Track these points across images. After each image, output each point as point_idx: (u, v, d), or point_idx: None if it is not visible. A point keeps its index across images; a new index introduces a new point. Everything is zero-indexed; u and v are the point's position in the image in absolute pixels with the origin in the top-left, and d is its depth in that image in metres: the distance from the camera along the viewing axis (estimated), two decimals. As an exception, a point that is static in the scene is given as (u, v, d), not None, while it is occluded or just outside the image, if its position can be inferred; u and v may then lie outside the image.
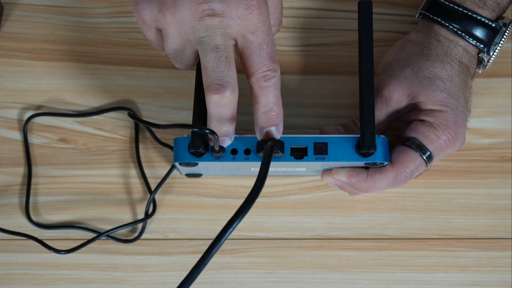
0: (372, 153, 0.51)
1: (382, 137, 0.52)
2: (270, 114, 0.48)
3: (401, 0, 0.65)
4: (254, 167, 0.52)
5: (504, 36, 0.56)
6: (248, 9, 0.43)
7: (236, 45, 0.46)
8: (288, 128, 0.62)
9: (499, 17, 0.57)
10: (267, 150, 0.49)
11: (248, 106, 0.63)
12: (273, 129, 0.49)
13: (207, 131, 0.47)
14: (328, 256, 0.61)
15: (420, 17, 0.59)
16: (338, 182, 0.57)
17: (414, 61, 0.56)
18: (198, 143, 0.50)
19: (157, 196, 0.61)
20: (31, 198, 0.61)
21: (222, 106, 0.46)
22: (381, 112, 0.56)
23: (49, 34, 0.64)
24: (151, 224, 0.61)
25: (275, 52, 0.46)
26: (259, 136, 0.50)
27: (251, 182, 0.46)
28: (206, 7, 0.43)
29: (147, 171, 0.62)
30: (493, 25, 0.56)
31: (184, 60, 0.48)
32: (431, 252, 0.61)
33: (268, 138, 0.50)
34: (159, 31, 0.48)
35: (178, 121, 0.62)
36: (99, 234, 0.59)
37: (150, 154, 0.62)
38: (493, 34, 0.56)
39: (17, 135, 0.63)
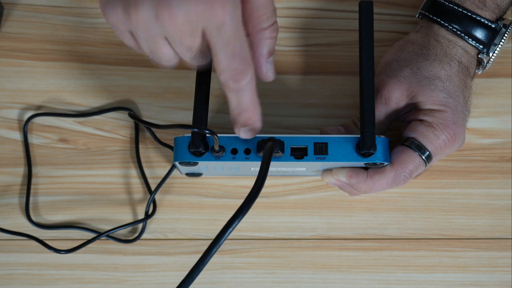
0: (372, 154, 0.51)
1: (382, 137, 0.52)
2: (245, 115, 0.47)
3: (401, 0, 0.65)
4: (254, 166, 0.52)
5: (504, 37, 0.56)
6: (209, 10, 0.40)
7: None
8: (288, 128, 0.62)
9: (499, 18, 0.57)
10: (267, 150, 0.49)
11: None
12: (248, 129, 0.48)
13: (206, 131, 0.47)
14: (328, 256, 0.61)
15: (420, 17, 0.59)
16: (338, 182, 0.57)
17: (413, 61, 0.56)
18: (198, 143, 0.50)
19: (157, 196, 0.61)
20: (31, 198, 0.61)
21: None
22: (380, 112, 0.56)
23: (49, 34, 0.64)
24: (151, 224, 0.61)
25: (245, 50, 0.43)
26: (238, 134, 0.49)
27: (251, 182, 0.46)
28: (165, 9, 0.40)
29: (147, 171, 0.62)
30: (493, 26, 0.56)
31: (165, 59, 0.46)
32: (431, 252, 0.61)
33: (269, 137, 0.50)
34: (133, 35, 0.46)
35: (178, 121, 0.63)
36: (99, 234, 0.59)
37: (150, 154, 0.62)
38: (493, 35, 0.56)
39: (17, 135, 0.63)
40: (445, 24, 0.56)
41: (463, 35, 0.56)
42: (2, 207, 0.61)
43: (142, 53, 0.47)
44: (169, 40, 0.43)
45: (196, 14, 0.41)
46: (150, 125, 0.51)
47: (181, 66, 0.64)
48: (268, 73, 0.47)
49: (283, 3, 0.65)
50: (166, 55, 0.45)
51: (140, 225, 0.61)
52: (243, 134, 0.48)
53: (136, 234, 0.61)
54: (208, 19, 0.41)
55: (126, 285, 0.60)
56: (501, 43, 0.56)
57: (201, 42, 0.43)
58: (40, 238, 0.59)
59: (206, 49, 0.44)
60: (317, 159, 0.52)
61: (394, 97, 0.55)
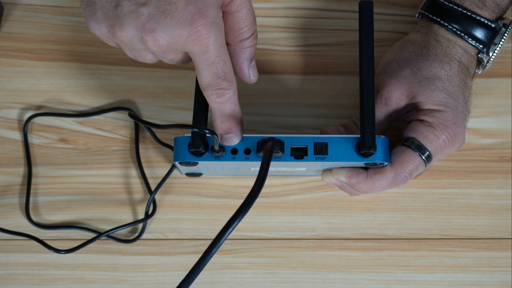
0: (372, 154, 0.51)
1: (382, 137, 0.52)
2: (226, 124, 0.49)
3: (401, 0, 0.65)
4: (254, 166, 0.52)
5: (504, 37, 0.56)
6: (193, 35, 0.43)
7: None
8: (288, 128, 0.62)
9: (499, 18, 0.57)
10: (267, 150, 0.49)
11: (248, 106, 0.63)
12: (231, 136, 0.50)
13: (206, 131, 0.47)
14: (328, 256, 0.61)
15: (420, 17, 0.59)
16: (338, 182, 0.57)
17: (413, 61, 0.56)
18: (198, 143, 0.50)
19: (157, 196, 0.61)
20: (31, 198, 0.61)
21: None
22: (380, 112, 0.56)
23: (49, 34, 0.64)
24: (151, 224, 0.61)
25: (227, 70, 0.46)
26: (220, 141, 0.51)
27: (251, 182, 0.46)
28: (149, 34, 0.42)
29: (147, 171, 0.62)
30: (493, 25, 0.56)
31: (148, 61, 0.48)
32: (431, 252, 0.61)
33: (269, 137, 0.51)
34: None
35: (178, 121, 0.63)
36: (99, 234, 0.59)
37: (150, 154, 0.62)
38: (493, 34, 0.56)
39: (17, 135, 0.63)
40: (445, 24, 0.56)
41: (463, 34, 0.56)
42: (2, 207, 0.61)
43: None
44: (152, 53, 0.46)
45: (179, 40, 0.43)
46: (150, 125, 0.51)
47: (181, 66, 0.64)
48: (251, 77, 0.50)
49: (283, 3, 0.65)
50: (149, 60, 0.48)
51: (140, 225, 0.61)
52: (225, 141, 0.51)
53: (136, 234, 0.61)
54: (191, 45, 0.43)
55: (126, 285, 0.60)
56: (501, 42, 0.56)
57: (184, 55, 0.46)
58: (40, 238, 0.59)
59: (188, 58, 0.47)
60: (317, 159, 0.52)
61: (394, 97, 0.55)
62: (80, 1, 0.45)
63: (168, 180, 0.61)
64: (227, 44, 0.47)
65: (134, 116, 0.54)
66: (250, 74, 0.49)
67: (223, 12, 0.45)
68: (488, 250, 0.61)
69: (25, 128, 0.62)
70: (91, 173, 0.62)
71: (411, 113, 0.56)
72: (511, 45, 0.64)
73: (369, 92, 0.51)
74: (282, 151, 0.50)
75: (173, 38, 0.43)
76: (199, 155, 0.51)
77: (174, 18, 0.42)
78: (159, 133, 0.61)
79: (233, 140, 0.50)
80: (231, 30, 0.47)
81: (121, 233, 0.61)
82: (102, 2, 0.43)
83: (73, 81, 0.64)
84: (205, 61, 0.45)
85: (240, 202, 0.45)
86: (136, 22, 0.42)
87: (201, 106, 0.50)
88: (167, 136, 0.61)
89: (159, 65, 0.64)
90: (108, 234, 0.60)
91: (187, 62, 0.48)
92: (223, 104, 0.48)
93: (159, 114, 0.63)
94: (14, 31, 0.64)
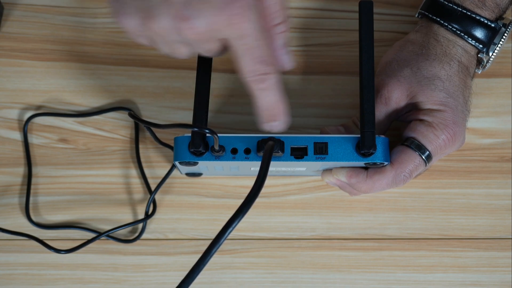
0: (372, 153, 0.51)
1: (382, 137, 0.52)
2: (271, 112, 0.47)
3: (401, 0, 0.65)
4: (254, 166, 0.52)
5: (504, 37, 0.56)
6: (231, 19, 0.41)
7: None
8: (288, 128, 0.62)
9: (499, 18, 0.57)
10: (267, 150, 0.49)
11: (248, 106, 0.63)
12: (275, 124, 0.48)
13: (207, 130, 0.47)
14: (328, 256, 0.61)
15: (420, 17, 0.59)
16: (338, 182, 0.57)
17: (413, 61, 0.56)
18: (198, 142, 0.50)
19: (157, 196, 0.61)
20: (31, 198, 0.61)
21: None
22: (380, 112, 0.56)
23: (49, 34, 0.64)
24: (151, 224, 0.61)
25: (267, 54, 0.44)
26: (264, 129, 0.49)
27: (251, 182, 0.46)
28: (185, 21, 0.41)
29: (147, 171, 0.62)
30: (493, 25, 0.56)
31: (183, 56, 0.47)
32: (431, 252, 0.61)
33: (269, 137, 0.50)
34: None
35: (178, 121, 0.63)
36: (99, 234, 0.59)
37: (150, 154, 0.62)
38: (493, 34, 0.56)
39: (17, 135, 0.63)
40: (444, 23, 0.56)
41: (462, 34, 0.56)
42: (2, 207, 0.61)
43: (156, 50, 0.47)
44: (188, 44, 0.44)
45: (216, 26, 0.41)
46: (150, 125, 0.51)
47: (181, 66, 0.64)
48: (288, 63, 0.49)
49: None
50: (183, 54, 0.46)
51: (140, 225, 0.61)
52: (268, 128, 0.49)
53: (136, 234, 0.61)
54: (229, 30, 0.42)
55: (126, 285, 0.60)
56: (500, 42, 0.56)
57: (220, 43, 0.44)
58: (40, 238, 0.59)
59: (225, 48, 0.45)
60: (317, 159, 0.52)
61: (394, 97, 0.55)
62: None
63: (168, 180, 0.61)
64: (264, 29, 0.45)
65: (134, 116, 0.54)
66: (286, 60, 0.48)
67: None
68: (488, 250, 0.61)
69: (25, 128, 0.62)
70: (91, 173, 0.62)
71: (411, 113, 0.56)
72: (511, 45, 0.64)
73: (369, 92, 0.51)
74: (282, 151, 0.51)
75: (210, 24, 0.41)
76: (199, 154, 0.51)
77: (210, 3, 0.40)
78: (159, 133, 0.61)
79: (280, 127, 0.48)
80: (264, 15, 0.45)
81: (121, 233, 0.61)
82: None
83: (73, 81, 0.64)
84: (244, 45, 0.43)
85: (240, 202, 0.45)
86: (170, 11, 0.40)
87: (201, 105, 0.50)
88: (167, 136, 0.61)
89: (159, 65, 0.64)
90: (108, 234, 0.60)
91: (223, 53, 0.46)
92: (266, 91, 0.45)
93: (159, 114, 0.63)
94: (14, 31, 0.64)
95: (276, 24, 0.47)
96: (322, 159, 0.52)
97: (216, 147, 0.50)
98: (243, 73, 0.45)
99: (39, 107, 0.63)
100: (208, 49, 0.45)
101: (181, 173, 0.59)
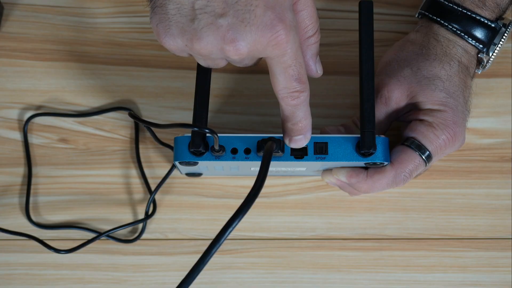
0: (372, 153, 0.51)
1: (382, 137, 0.52)
2: (298, 126, 0.49)
3: (401, 0, 0.65)
4: (254, 166, 0.52)
5: (504, 37, 0.56)
6: (273, 41, 0.43)
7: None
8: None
9: (499, 18, 0.57)
10: (267, 150, 0.49)
11: (248, 106, 0.63)
12: (300, 137, 0.49)
13: (207, 130, 0.47)
14: (328, 256, 0.61)
15: (420, 17, 0.59)
16: (338, 182, 0.57)
17: (413, 61, 0.56)
18: (198, 142, 0.50)
19: (157, 196, 0.61)
20: (31, 198, 0.61)
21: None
22: (380, 112, 0.56)
23: (49, 34, 0.64)
24: (151, 224, 0.61)
25: (302, 72, 0.45)
26: (287, 143, 0.50)
27: (251, 182, 0.46)
28: (230, 44, 0.42)
29: (147, 171, 0.62)
30: (493, 25, 0.56)
31: (221, 66, 0.48)
32: (431, 252, 0.61)
33: (269, 137, 0.50)
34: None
35: (178, 121, 0.62)
36: (99, 234, 0.59)
37: (150, 154, 0.62)
38: (493, 34, 0.56)
39: (17, 135, 0.63)
40: (445, 23, 0.56)
41: (463, 34, 0.56)
42: (2, 207, 0.61)
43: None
44: (230, 61, 0.46)
45: (260, 46, 0.43)
46: (150, 125, 0.51)
47: (181, 66, 0.64)
48: (318, 71, 0.50)
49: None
50: (221, 65, 0.48)
51: (140, 225, 0.61)
52: (294, 143, 0.50)
53: (136, 234, 0.61)
54: (270, 51, 0.43)
55: (126, 285, 0.60)
56: (500, 42, 0.56)
57: (258, 59, 0.46)
58: (40, 238, 0.59)
59: (258, 61, 0.47)
60: (317, 159, 0.52)
61: (394, 97, 0.55)
62: (149, 18, 0.44)
63: (168, 180, 0.61)
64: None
65: (134, 115, 0.54)
66: (317, 69, 0.50)
67: None
68: (488, 250, 0.61)
69: (25, 128, 0.62)
70: (91, 173, 0.62)
71: (411, 112, 0.56)
72: (511, 45, 0.64)
73: (369, 92, 0.51)
74: (282, 150, 0.50)
75: (254, 46, 0.43)
76: (199, 154, 0.51)
77: (254, 26, 0.42)
78: (159, 133, 0.61)
79: (302, 142, 0.50)
80: (299, 30, 0.47)
81: (121, 233, 0.61)
82: (177, 17, 0.43)
83: (73, 81, 0.64)
84: (282, 64, 0.44)
85: (240, 202, 0.45)
86: (216, 34, 0.42)
87: (201, 105, 0.50)
88: (167, 136, 0.61)
89: (159, 65, 0.64)
90: (108, 234, 0.60)
91: (256, 64, 0.48)
92: (297, 107, 0.47)
93: (159, 114, 0.63)
94: (14, 31, 0.64)
95: (309, 37, 0.48)
96: (322, 159, 0.52)
97: (216, 147, 0.50)
98: (277, 89, 0.46)
99: (39, 107, 0.63)
100: (246, 64, 0.47)
101: (181, 173, 0.59)
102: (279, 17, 0.42)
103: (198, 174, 0.60)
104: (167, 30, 0.43)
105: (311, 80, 0.64)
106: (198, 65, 0.50)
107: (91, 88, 0.63)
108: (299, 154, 0.52)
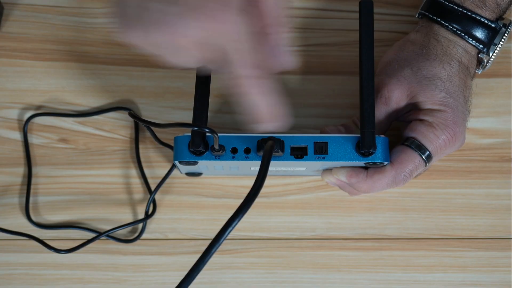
0: (372, 153, 0.51)
1: (382, 137, 0.52)
2: (262, 116, 0.47)
3: (401, 0, 0.65)
4: (254, 166, 0.52)
5: (504, 37, 0.56)
6: (221, 25, 0.41)
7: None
8: (288, 128, 0.62)
9: (499, 18, 0.57)
10: (267, 149, 0.49)
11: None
12: (272, 126, 0.47)
13: (206, 129, 0.47)
14: (328, 256, 0.61)
15: (420, 17, 0.59)
16: (338, 182, 0.57)
17: (413, 61, 0.56)
18: (198, 142, 0.50)
19: (157, 196, 0.61)
20: (31, 198, 0.61)
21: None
22: (381, 112, 0.56)
23: (49, 34, 0.64)
24: (151, 224, 0.61)
25: (259, 57, 0.44)
26: (257, 129, 0.48)
27: (251, 182, 0.46)
28: (180, 32, 0.42)
29: (147, 171, 0.62)
30: (493, 25, 0.56)
31: (190, 64, 0.47)
32: (431, 252, 0.61)
33: (269, 136, 0.50)
34: None
35: (178, 121, 0.63)
36: (99, 234, 0.59)
37: (150, 154, 0.62)
38: (493, 34, 0.56)
39: (17, 135, 0.63)
40: (445, 23, 0.56)
41: (463, 34, 0.56)
42: (2, 207, 0.61)
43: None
44: (188, 54, 0.45)
45: (207, 33, 0.42)
46: (150, 124, 0.51)
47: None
48: (287, 63, 0.48)
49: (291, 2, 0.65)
50: (189, 63, 0.46)
51: (140, 225, 0.61)
52: (261, 128, 0.48)
53: (136, 234, 0.61)
54: (220, 37, 0.42)
55: (126, 285, 0.60)
56: (501, 42, 0.56)
57: (219, 54, 0.44)
58: (40, 238, 0.59)
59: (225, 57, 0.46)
60: (317, 159, 0.52)
61: (394, 97, 0.55)
62: (112, 20, 0.44)
63: (168, 180, 0.61)
64: (258, 31, 0.45)
65: (134, 115, 0.54)
66: (286, 60, 0.48)
67: None
68: (488, 250, 0.61)
69: (25, 128, 0.62)
70: (91, 173, 0.62)
71: (411, 112, 0.56)
72: (511, 45, 0.64)
73: (369, 92, 0.51)
74: (282, 150, 0.50)
75: (202, 32, 0.42)
76: (199, 154, 0.51)
77: (202, 13, 0.41)
78: (159, 132, 0.61)
79: (267, 128, 0.47)
80: (259, 18, 0.45)
81: (121, 233, 0.61)
82: (131, 9, 0.43)
83: (73, 81, 0.64)
84: (235, 50, 0.43)
85: (240, 202, 0.45)
86: (166, 22, 0.42)
87: (201, 105, 0.50)
88: (167, 136, 0.61)
89: (159, 65, 0.64)
90: (108, 234, 0.60)
91: (226, 65, 0.46)
92: (259, 95, 0.45)
93: (159, 114, 0.63)
94: (14, 31, 0.64)
95: (273, 26, 0.46)
96: (322, 159, 0.52)
97: (216, 147, 0.50)
98: (235, 78, 0.45)
99: (39, 107, 0.63)
100: (206, 57, 0.45)
101: (181, 172, 0.59)
102: (225, 2, 0.41)
103: (198, 174, 0.60)
104: (125, 25, 0.44)
105: (311, 80, 0.64)
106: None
107: (91, 88, 0.63)
108: (299, 153, 0.52)
